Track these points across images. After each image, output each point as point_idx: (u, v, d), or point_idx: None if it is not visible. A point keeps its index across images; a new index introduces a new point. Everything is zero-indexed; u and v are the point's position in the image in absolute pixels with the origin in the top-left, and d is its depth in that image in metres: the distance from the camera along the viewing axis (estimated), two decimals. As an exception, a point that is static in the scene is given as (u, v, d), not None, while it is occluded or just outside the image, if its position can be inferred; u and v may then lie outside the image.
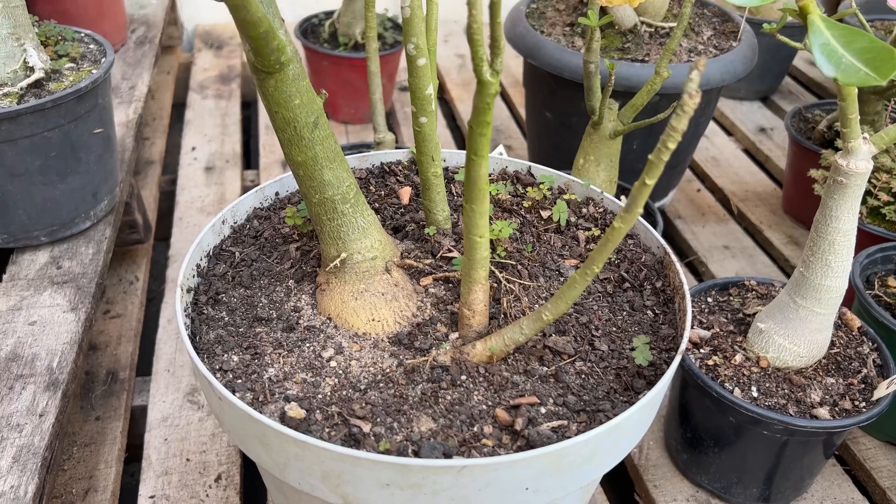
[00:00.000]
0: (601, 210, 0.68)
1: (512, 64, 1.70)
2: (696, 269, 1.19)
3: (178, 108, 1.60)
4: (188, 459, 0.82)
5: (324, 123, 0.52)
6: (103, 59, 0.87)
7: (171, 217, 1.23)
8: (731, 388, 0.71)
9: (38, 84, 0.82)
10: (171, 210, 1.25)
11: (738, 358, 0.74)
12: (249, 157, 1.55)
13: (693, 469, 0.81)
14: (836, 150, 1.07)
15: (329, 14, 1.51)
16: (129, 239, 1.08)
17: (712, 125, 1.55)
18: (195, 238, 1.15)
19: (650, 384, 0.52)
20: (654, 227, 0.98)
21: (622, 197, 0.99)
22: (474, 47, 0.41)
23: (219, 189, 1.28)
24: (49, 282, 0.84)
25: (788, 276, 1.15)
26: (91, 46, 0.91)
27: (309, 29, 1.48)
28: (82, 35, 0.92)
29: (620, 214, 0.44)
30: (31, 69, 0.82)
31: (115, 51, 1.33)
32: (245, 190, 1.32)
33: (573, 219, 0.67)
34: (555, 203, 0.68)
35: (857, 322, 0.78)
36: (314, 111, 0.51)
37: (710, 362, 0.74)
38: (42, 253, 0.88)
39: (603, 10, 0.96)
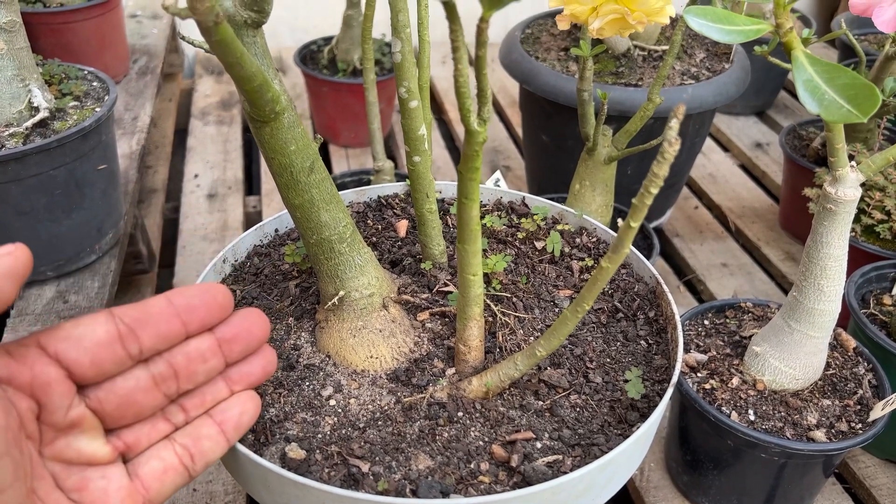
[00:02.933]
0: (594, 240, 0.69)
1: (509, 84, 1.72)
2: (695, 287, 1.20)
3: (180, 133, 1.63)
4: (195, 490, 0.83)
5: (319, 167, 0.53)
6: (106, 97, 0.89)
7: (174, 244, 1.25)
8: (728, 411, 0.72)
9: (42, 123, 0.83)
10: (174, 237, 1.27)
11: (735, 381, 0.75)
12: (251, 181, 1.56)
13: (694, 491, 0.82)
14: (831, 167, 1.08)
15: (328, 40, 1.53)
16: (134, 269, 1.09)
17: (708, 142, 1.57)
18: (198, 267, 1.17)
19: (643, 416, 0.53)
20: (651, 249, 0.99)
21: (619, 220, 1.01)
22: (461, 99, 0.42)
23: (221, 216, 1.29)
24: (56, 316, 0.86)
25: (786, 292, 1.16)
26: (94, 84, 0.93)
27: (308, 55, 1.51)
28: (85, 73, 0.94)
29: (608, 255, 0.45)
30: (36, 109, 0.84)
31: (117, 82, 1.35)
32: (247, 216, 1.33)
33: (567, 249, 0.68)
34: (549, 234, 0.70)
35: (852, 343, 0.79)
36: (310, 156, 0.52)
37: (708, 386, 0.75)
38: (48, 287, 0.90)
39: (596, 40, 0.98)
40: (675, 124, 0.40)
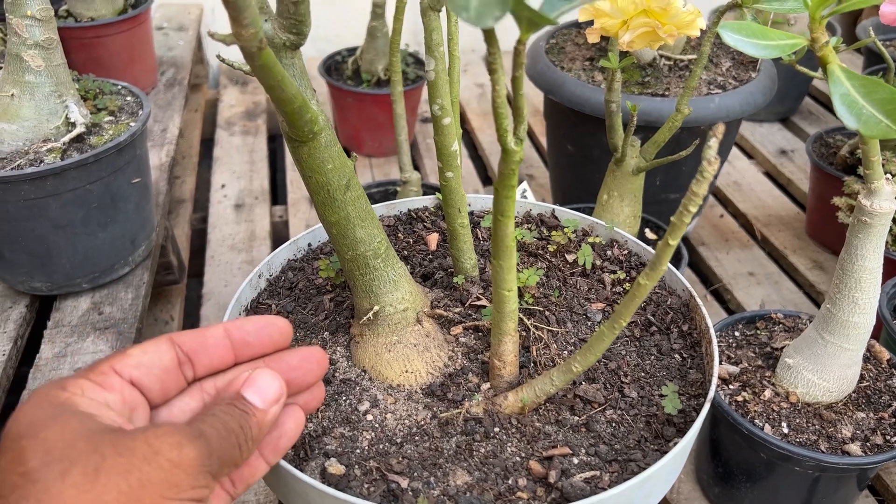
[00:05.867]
0: (625, 252, 0.70)
1: (532, 94, 1.72)
2: (722, 296, 1.19)
3: (206, 143, 1.64)
4: (226, 500, 0.84)
5: (355, 185, 0.54)
6: (140, 112, 0.91)
7: (203, 254, 1.27)
8: (761, 424, 0.72)
9: (79, 139, 0.85)
10: (203, 247, 1.28)
11: (768, 393, 0.74)
12: (276, 191, 1.58)
13: (725, 503, 0.81)
14: (859, 176, 1.07)
15: (352, 51, 1.54)
16: (165, 280, 1.11)
17: (733, 149, 1.56)
18: (226, 276, 1.18)
19: (680, 432, 0.53)
20: (679, 260, 0.99)
21: (646, 230, 1.00)
22: (499, 120, 0.43)
23: (248, 226, 1.31)
24: (91, 328, 0.87)
25: (814, 301, 1.15)
26: (128, 98, 0.94)
27: (332, 66, 1.52)
28: (119, 87, 0.96)
29: (646, 272, 0.45)
30: (73, 124, 0.85)
31: (146, 93, 1.37)
32: (274, 226, 1.35)
33: (598, 262, 0.69)
34: (579, 246, 0.70)
35: (885, 355, 0.78)
36: (346, 174, 0.53)
37: (740, 398, 0.74)
38: (84, 299, 0.91)
39: (624, 51, 0.98)
40: (714, 143, 0.40)
